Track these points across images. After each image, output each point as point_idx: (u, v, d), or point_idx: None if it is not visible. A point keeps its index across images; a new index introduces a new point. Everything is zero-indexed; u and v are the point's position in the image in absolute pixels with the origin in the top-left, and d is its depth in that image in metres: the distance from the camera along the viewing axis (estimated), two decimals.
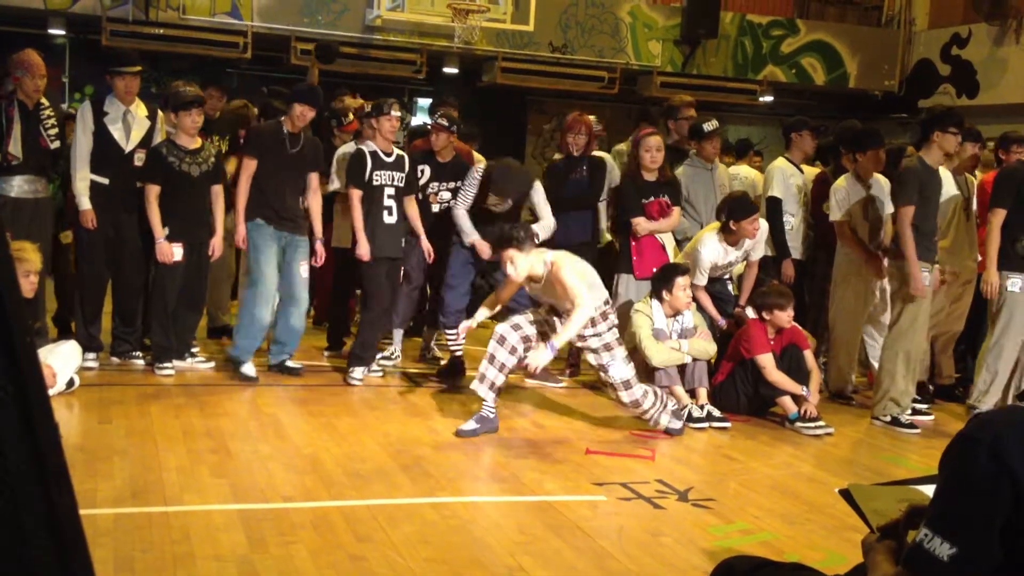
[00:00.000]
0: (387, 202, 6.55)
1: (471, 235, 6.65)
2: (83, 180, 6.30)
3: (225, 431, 5.24)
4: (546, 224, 6.62)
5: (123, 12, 10.24)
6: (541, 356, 5.36)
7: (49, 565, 0.82)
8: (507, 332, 5.58)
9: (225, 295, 7.85)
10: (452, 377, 6.73)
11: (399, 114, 6.61)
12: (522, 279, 5.56)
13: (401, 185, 6.60)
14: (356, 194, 6.48)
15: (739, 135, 11.78)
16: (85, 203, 6.29)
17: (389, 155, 6.55)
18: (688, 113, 7.66)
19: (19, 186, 6.24)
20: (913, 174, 6.14)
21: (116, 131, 6.37)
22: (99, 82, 7.58)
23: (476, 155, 7.42)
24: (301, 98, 6.49)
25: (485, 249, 6.50)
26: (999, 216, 6.30)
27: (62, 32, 11.30)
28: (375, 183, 6.50)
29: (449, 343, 6.84)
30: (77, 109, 6.61)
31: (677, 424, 5.80)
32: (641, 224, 6.80)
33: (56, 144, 6.40)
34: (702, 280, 6.55)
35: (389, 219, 6.56)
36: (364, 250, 6.45)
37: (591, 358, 5.74)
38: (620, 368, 5.66)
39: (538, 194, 6.73)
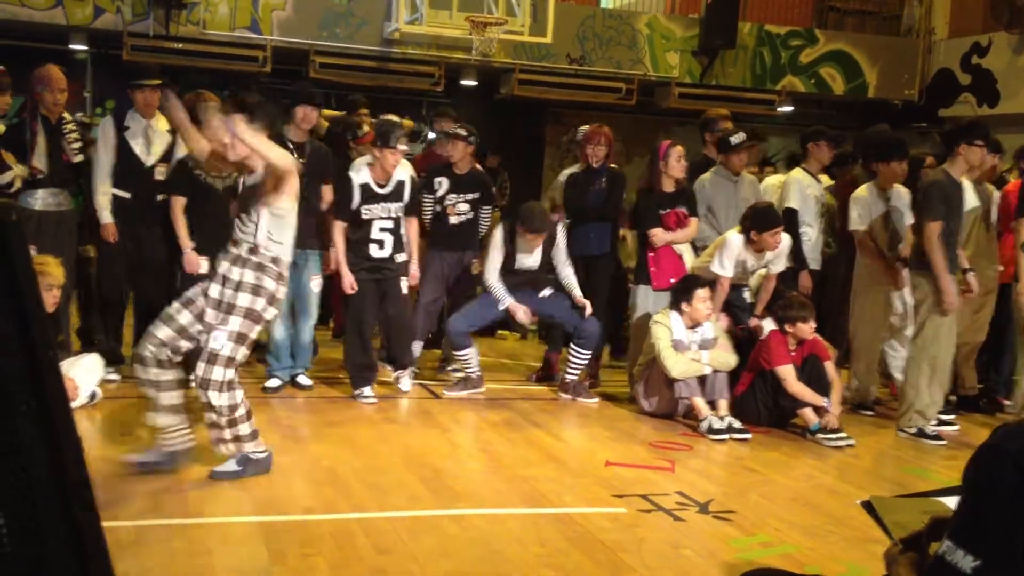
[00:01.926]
0: (376, 235, 6.36)
1: (505, 301, 6.71)
2: (105, 194, 6.35)
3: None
4: (568, 277, 6.82)
5: (144, 27, 10.31)
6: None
7: None
8: None
9: None
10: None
11: (405, 148, 6.41)
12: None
13: (399, 216, 6.42)
14: (339, 226, 6.33)
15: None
16: (107, 217, 6.34)
17: (383, 185, 6.32)
18: (724, 126, 7.66)
19: (43, 199, 6.28)
20: (939, 188, 6.10)
21: (137, 145, 6.42)
22: (121, 97, 7.63)
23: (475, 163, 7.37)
24: (301, 99, 6.39)
25: (521, 314, 6.62)
26: None
27: (84, 47, 11.39)
28: (364, 216, 6.32)
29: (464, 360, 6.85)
30: (95, 120, 6.64)
31: (234, 468, 4.62)
32: (658, 235, 6.80)
33: (79, 158, 6.45)
34: (728, 270, 6.49)
35: (379, 252, 6.37)
36: (347, 283, 6.33)
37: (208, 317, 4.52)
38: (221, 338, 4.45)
39: (561, 239, 6.82)
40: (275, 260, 4.51)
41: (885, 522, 2.02)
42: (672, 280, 6.73)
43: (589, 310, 6.72)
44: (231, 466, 4.61)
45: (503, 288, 6.71)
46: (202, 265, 6.33)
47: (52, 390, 0.82)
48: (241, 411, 4.57)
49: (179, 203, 6.26)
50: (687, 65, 12.47)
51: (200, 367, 4.43)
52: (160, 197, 6.39)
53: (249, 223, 4.49)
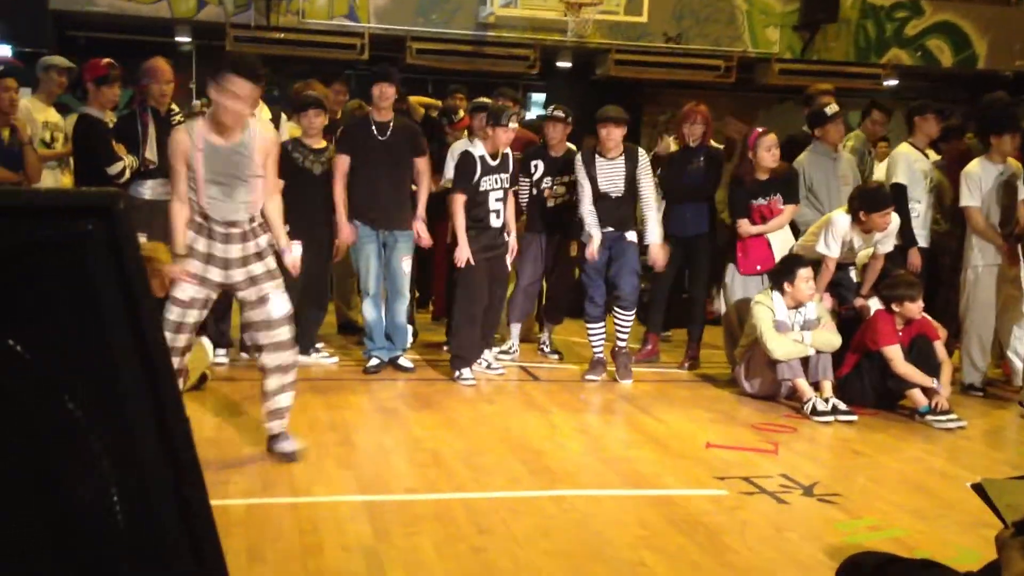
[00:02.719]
0: (494, 205, 6.48)
1: (595, 234, 6.59)
2: None
3: (349, 424, 5.36)
4: (649, 209, 6.72)
5: (246, 18, 10.53)
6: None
7: (182, 555, 0.85)
8: None
9: (351, 291, 8.01)
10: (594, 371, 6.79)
11: (516, 126, 6.46)
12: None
13: (507, 186, 6.55)
14: (460, 198, 6.40)
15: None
16: None
17: (495, 158, 6.47)
18: (827, 100, 7.49)
19: (153, 189, 6.47)
20: None
21: None
22: None
23: (569, 146, 7.31)
24: (376, 78, 6.49)
25: (593, 250, 6.57)
26: None
27: (188, 39, 11.68)
28: (483, 188, 6.43)
29: (593, 338, 6.80)
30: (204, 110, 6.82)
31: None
32: (743, 227, 6.73)
33: None
34: (834, 250, 6.34)
35: (496, 221, 6.50)
36: (464, 255, 6.37)
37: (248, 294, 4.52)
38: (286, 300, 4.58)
39: (644, 161, 6.73)
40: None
41: (997, 505, 1.96)
42: (758, 267, 6.70)
43: (661, 264, 6.74)
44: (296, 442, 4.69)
45: (595, 219, 6.60)
46: (294, 249, 6.45)
47: (161, 372, 0.85)
48: None
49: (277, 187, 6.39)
50: (787, 40, 12.20)
51: (284, 332, 4.48)
52: None
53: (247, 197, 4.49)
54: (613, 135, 6.51)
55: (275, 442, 4.65)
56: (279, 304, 4.49)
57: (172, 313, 4.41)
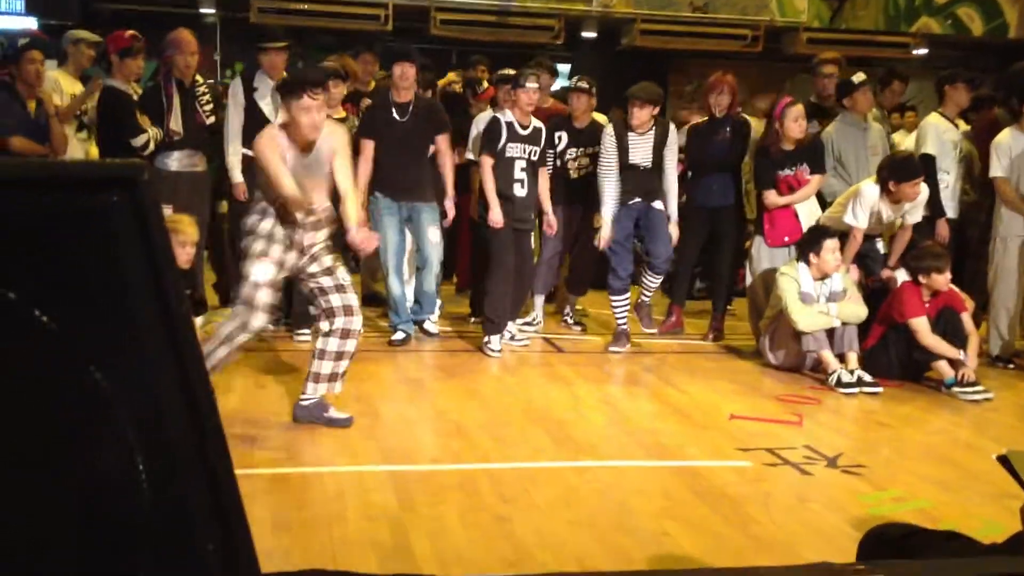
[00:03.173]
0: (518, 174, 6.52)
1: (608, 207, 6.59)
2: (235, 154, 6.53)
3: (374, 395, 5.39)
4: (670, 186, 6.72)
5: None
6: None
7: (208, 522, 0.86)
8: None
9: (376, 263, 8.03)
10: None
11: (536, 86, 6.46)
12: None
13: (535, 159, 6.57)
14: (488, 161, 6.47)
15: None
16: (237, 176, 6.53)
17: (525, 127, 6.50)
18: (829, 70, 7.42)
19: (179, 160, 6.51)
20: None
21: (265, 106, 6.58)
22: (249, 59, 7.84)
23: (597, 117, 7.28)
24: (396, 57, 6.49)
25: (606, 231, 6.59)
26: None
27: (212, 11, 11.68)
28: (507, 154, 6.47)
29: (617, 310, 6.81)
30: (228, 85, 6.84)
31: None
32: (770, 198, 6.68)
33: (212, 120, 6.65)
34: (862, 221, 6.30)
35: (520, 191, 6.54)
36: (496, 216, 6.43)
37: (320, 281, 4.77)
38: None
39: (673, 139, 6.74)
40: None
41: (1023, 477, 1.95)
42: (786, 239, 6.64)
43: (675, 239, 6.71)
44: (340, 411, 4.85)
45: (613, 192, 6.60)
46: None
47: (185, 341, 0.86)
48: None
49: None
50: (815, 9, 12.06)
51: (348, 297, 4.72)
52: None
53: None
54: (638, 116, 6.53)
55: (323, 410, 4.77)
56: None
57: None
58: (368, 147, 6.49)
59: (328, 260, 4.71)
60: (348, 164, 4.81)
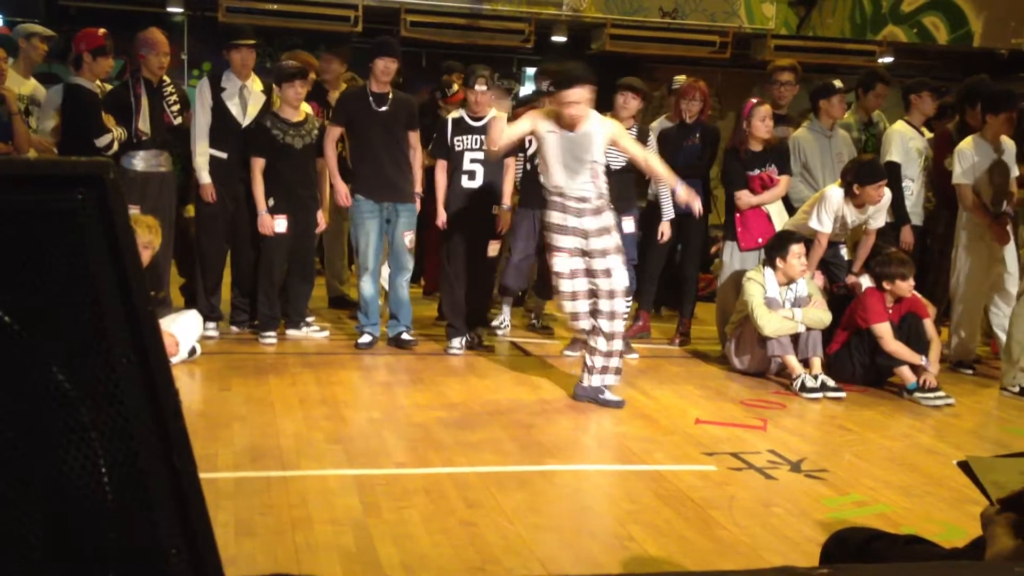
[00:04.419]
0: (468, 166, 6.51)
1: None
2: (203, 155, 6.48)
3: (340, 399, 5.37)
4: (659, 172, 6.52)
5: None
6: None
7: (172, 528, 0.85)
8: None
9: (341, 266, 8.00)
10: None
11: (484, 88, 6.40)
12: None
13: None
14: (440, 164, 6.53)
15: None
16: (205, 177, 6.47)
17: (479, 119, 6.43)
18: (786, 77, 7.47)
19: (144, 159, 6.43)
20: None
21: (233, 106, 6.53)
22: (217, 59, 7.79)
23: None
24: (380, 51, 6.44)
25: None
26: None
27: (180, 10, 11.59)
28: (456, 148, 6.47)
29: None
30: (196, 86, 6.78)
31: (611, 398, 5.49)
32: (743, 198, 6.71)
33: (179, 120, 6.59)
34: (826, 225, 6.32)
35: (470, 183, 6.52)
36: (441, 219, 6.53)
37: (597, 264, 5.39)
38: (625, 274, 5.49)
39: (651, 139, 6.75)
40: None
41: (982, 482, 1.97)
42: (760, 240, 6.65)
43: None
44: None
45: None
46: (279, 225, 6.44)
47: (151, 344, 0.85)
48: None
49: (258, 164, 6.39)
50: (783, 16, 12.17)
51: (617, 303, 5.37)
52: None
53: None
54: (632, 106, 6.54)
55: (601, 393, 5.41)
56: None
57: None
58: (335, 131, 6.53)
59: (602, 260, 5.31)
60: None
